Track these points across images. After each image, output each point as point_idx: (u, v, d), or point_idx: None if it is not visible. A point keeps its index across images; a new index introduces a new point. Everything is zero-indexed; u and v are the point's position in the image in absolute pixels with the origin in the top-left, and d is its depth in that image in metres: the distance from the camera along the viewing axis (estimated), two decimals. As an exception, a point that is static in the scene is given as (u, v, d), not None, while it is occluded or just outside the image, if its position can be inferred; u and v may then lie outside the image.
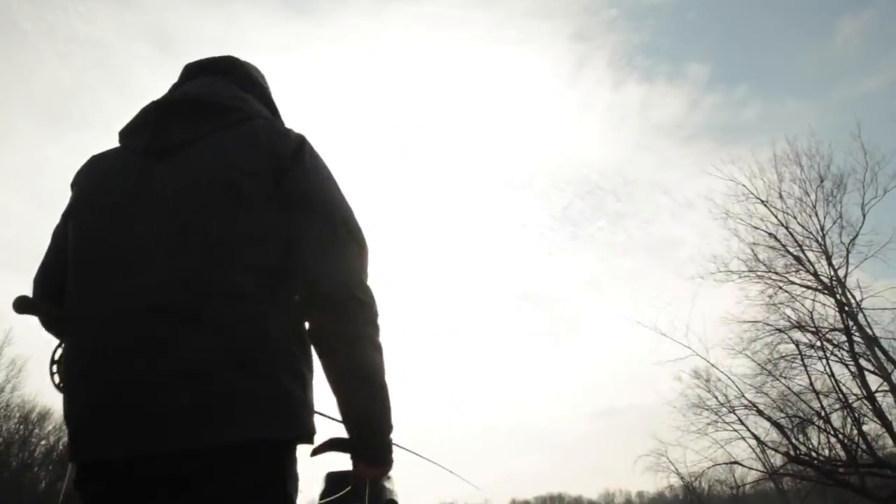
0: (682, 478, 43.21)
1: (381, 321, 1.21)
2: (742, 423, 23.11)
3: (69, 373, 1.13)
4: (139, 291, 1.08)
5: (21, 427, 54.04)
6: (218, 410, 1.03)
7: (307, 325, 1.21)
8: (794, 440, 22.15)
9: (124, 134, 1.32)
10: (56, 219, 1.34)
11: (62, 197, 1.30)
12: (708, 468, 29.44)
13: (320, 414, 1.25)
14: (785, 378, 22.80)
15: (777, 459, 25.53)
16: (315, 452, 1.25)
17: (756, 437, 24.01)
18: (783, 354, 22.94)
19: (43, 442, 56.59)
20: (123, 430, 1.02)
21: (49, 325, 1.30)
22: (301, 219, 1.18)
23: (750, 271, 22.23)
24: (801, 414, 23.07)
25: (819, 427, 21.84)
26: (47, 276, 1.30)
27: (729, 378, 23.32)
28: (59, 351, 1.25)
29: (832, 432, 21.38)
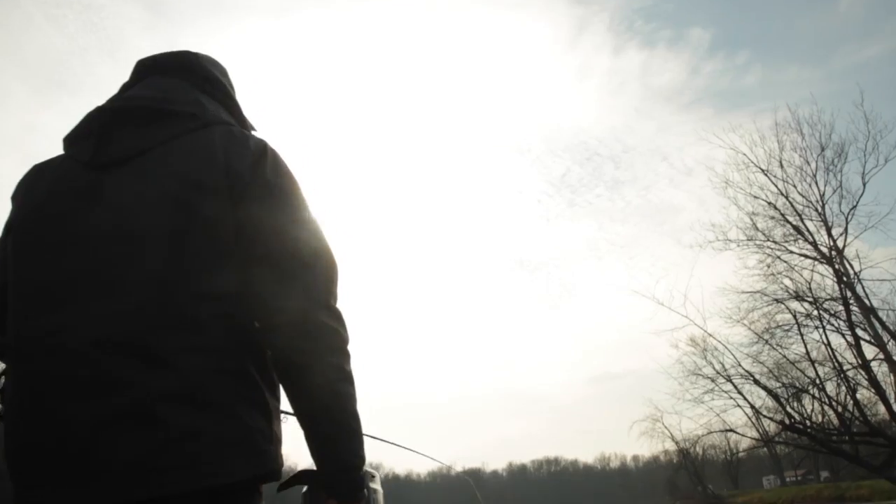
0: (677, 443, 44.08)
1: (350, 346, 1.11)
2: (738, 392, 23.28)
3: (9, 407, 1.03)
4: (84, 324, 0.98)
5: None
6: (172, 456, 0.94)
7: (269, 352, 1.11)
8: (788, 409, 22.39)
9: (69, 141, 1.19)
10: None
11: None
12: (703, 435, 29.90)
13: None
14: (781, 347, 22.98)
15: (772, 427, 25.88)
16: (282, 487, 1.17)
17: (752, 406, 24.28)
18: (780, 324, 23.07)
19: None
20: (66, 479, 0.94)
21: None
22: (255, 244, 1.08)
23: (749, 240, 22.19)
24: (796, 383, 23.27)
25: (813, 396, 22.02)
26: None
27: (725, 347, 23.48)
28: (2, 378, 1.14)
29: (826, 401, 21.57)
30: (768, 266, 22.25)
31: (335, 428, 1.07)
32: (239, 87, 1.33)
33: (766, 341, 23.44)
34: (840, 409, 21.36)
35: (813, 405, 23.38)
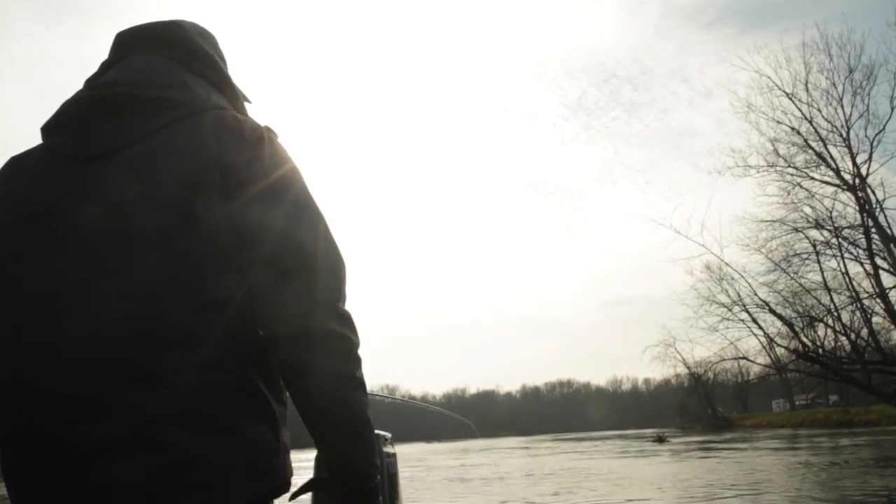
0: (688, 368, 44.82)
1: (360, 351, 1.04)
2: (753, 321, 23.40)
3: None
4: (73, 338, 0.91)
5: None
6: (174, 481, 0.89)
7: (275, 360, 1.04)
8: (803, 337, 22.55)
9: (47, 132, 1.09)
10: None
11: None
12: (716, 363, 30.24)
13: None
14: (798, 276, 22.92)
15: (784, 355, 26.11)
16: (294, 496, 1.13)
17: (766, 334, 24.47)
18: (798, 252, 22.91)
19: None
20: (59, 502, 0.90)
21: None
22: (254, 245, 0.99)
23: (769, 167, 21.72)
24: (811, 312, 23.32)
25: (827, 325, 22.15)
26: None
27: (741, 276, 23.41)
28: None
29: (841, 329, 21.68)
30: (788, 193, 21.89)
31: (347, 437, 1.03)
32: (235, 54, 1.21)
33: (784, 270, 23.39)
34: (854, 337, 21.44)
35: (826, 333, 23.62)
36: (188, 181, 0.97)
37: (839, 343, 21.80)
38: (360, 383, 1.03)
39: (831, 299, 20.86)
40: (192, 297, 0.94)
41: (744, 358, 26.98)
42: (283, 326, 0.99)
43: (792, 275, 22.91)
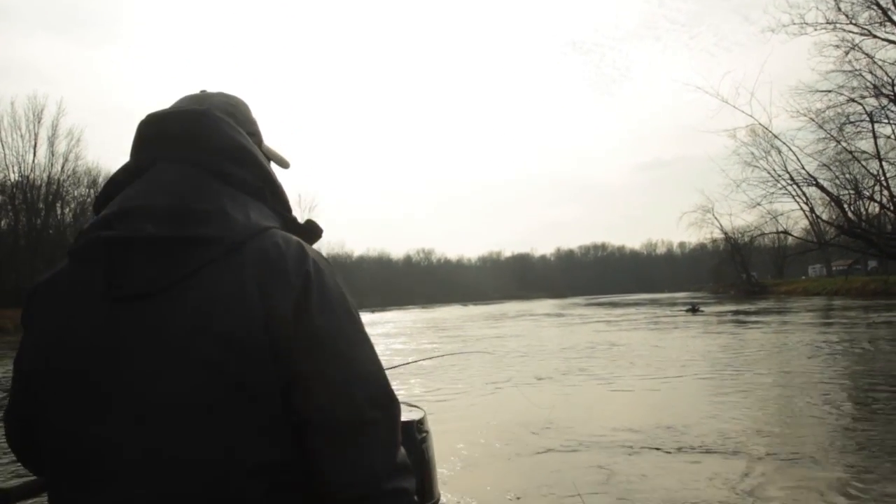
0: (725, 234, 44.39)
1: (415, 489, 0.98)
2: (801, 191, 22.73)
3: None
4: None
5: (91, 191, 57.59)
6: None
7: None
8: (849, 213, 21.88)
9: (75, 260, 0.98)
10: None
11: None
12: (755, 236, 29.78)
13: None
14: (848, 143, 21.86)
15: (823, 227, 25.58)
16: None
17: (812, 210, 23.83)
18: (850, 118, 21.71)
19: (113, 205, 60.98)
20: None
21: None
22: (304, 404, 0.91)
23: (828, 24, 20.06)
24: (859, 185, 22.46)
25: (873, 199, 21.37)
26: (23, 430, 1.07)
27: (790, 149, 22.38)
28: None
29: (889, 200, 20.88)
30: (846, 53, 20.34)
31: None
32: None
33: (834, 137, 22.30)
34: (902, 211, 20.71)
35: (869, 208, 22.87)
36: (231, 341, 0.89)
37: (885, 218, 21.09)
38: None
39: (881, 166, 20.02)
40: (237, 467, 0.88)
41: (785, 232, 26.54)
42: (339, 492, 0.93)
43: (843, 144, 21.90)
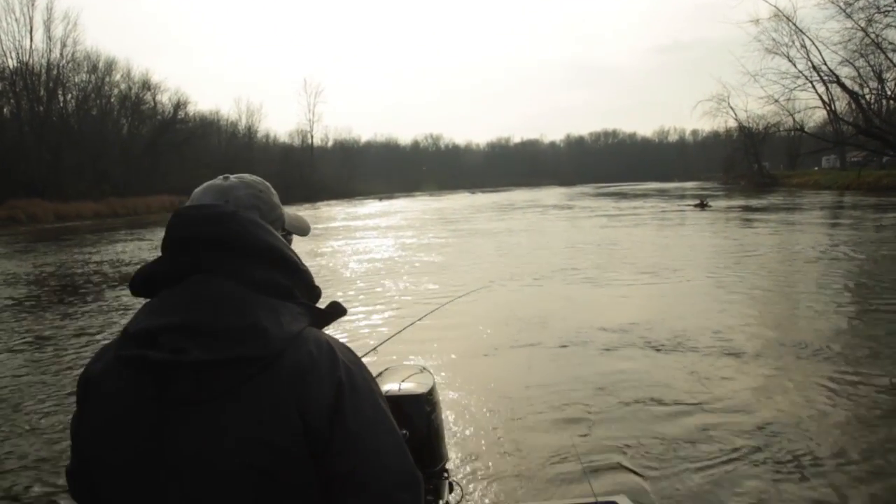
0: (739, 123, 43.28)
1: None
2: (824, 88, 21.93)
3: None
4: None
5: (92, 77, 56.22)
6: None
7: None
8: (869, 113, 21.21)
9: (125, 364, 1.03)
10: None
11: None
12: (771, 131, 29.04)
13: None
14: (877, 35, 20.85)
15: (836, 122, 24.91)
16: None
17: (831, 104, 23.03)
18: (882, 8, 20.58)
19: (115, 90, 59.55)
20: None
21: None
22: (343, 495, 1.03)
23: None
24: (883, 78, 21.64)
25: (892, 98, 20.64)
26: (85, 484, 1.16)
27: (813, 44, 21.36)
28: None
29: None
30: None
31: None
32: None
33: (862, 28, 21.25)
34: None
35: (886, 108, 22.10)
36: (274, 448, 0.99)
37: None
38: None
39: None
40: None
41: (800, 130, 25.81)
42: None
43: (872, 34, 20.90)
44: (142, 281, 1.09)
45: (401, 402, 2.32)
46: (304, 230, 1.34)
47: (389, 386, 2.43)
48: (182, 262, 1.08)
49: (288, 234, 1.28)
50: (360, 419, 1.05)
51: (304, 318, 1.08)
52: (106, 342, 1.16)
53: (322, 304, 1.18)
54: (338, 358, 1.06)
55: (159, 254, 1.11)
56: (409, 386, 2.44)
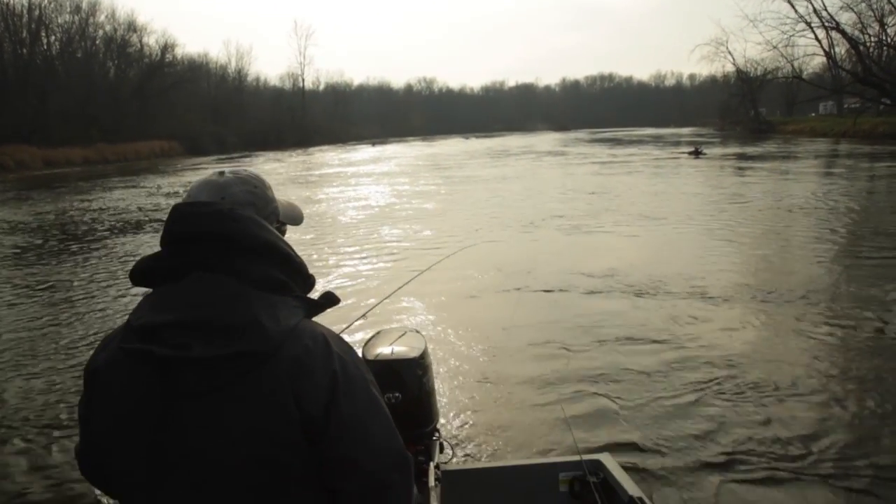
0: (737, 68, 42.63)
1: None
2: (825, 33, 21.54)
3: None
4: None
5: (76, 18, 54.62)
6: None
7: None
8: (867, 60, 20.91)
9: (131, 357, 1.08)
10: None
11: None
12: (769, 78, 28.65)
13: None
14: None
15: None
16: None
17: (831, 51, 22.69)
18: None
19: (101, 32, 57.95)
20: None
21: None
22: (340, 477, 1.12)
23: None
24: (885, 23, 21.27)
25: (891, 47, 20.33)
26: (96, 473, 1.25)
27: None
28: None
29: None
30: None
31: None
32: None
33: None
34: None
35: (885, 55, 21.78)
36: (275, 439, 1.05)
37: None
38: None
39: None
40: None
41: (798, 77, 25.57)
42: None
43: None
44: (141, 273, 1.13)
45: (394, 366, 2.37)
46: (297, 219, 1.37)
47: (382, 349, 2.47)
48: (181, 258, 1.12)
49: (282, 226, 1.32)
50: (353, 408, 1.11)
51: (300, 311, 1.13)
52: (109, 332, 1.20)
53: (321, 290, 1.23)
54: (332, 350, 1.12)
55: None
56: (402, 349, 2.49)
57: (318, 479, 1.11)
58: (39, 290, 8.67)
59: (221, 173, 1.24)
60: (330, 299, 1.22)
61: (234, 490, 1.06)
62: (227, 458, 1.05)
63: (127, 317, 1.13)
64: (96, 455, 1.18)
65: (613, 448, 3.54)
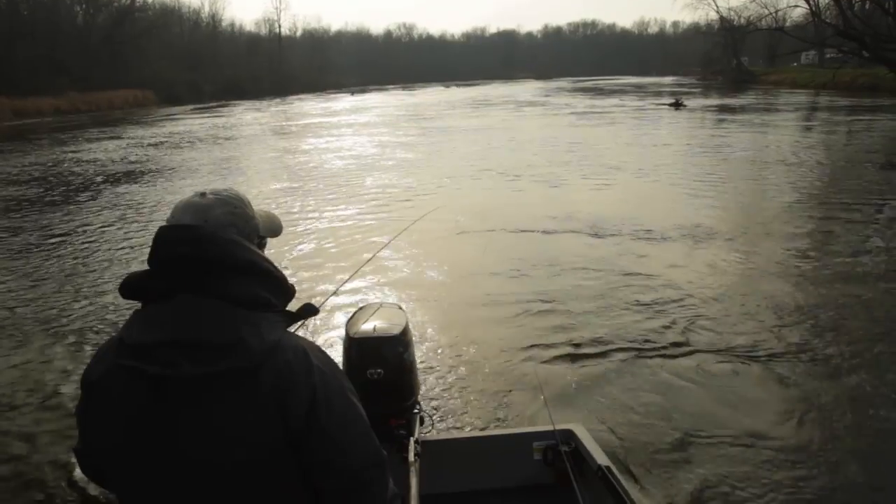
0: (721, 17, 42.19)
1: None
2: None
3: None
4: None
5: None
6: None
7: None
8: (848, 13, 20.83)
9: (127, 372, 1.17)
10: None
11: None
12: (752, 30, 28.44)
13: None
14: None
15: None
16: None
17: (813, 10, 22.59)
18: None
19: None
20: None
21: None
22: (321, 479, 1.23)
23: None
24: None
25: (877, 2, 20.27)
26: (95, 472, 1.37)
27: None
28: None
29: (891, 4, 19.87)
30: None
31: None
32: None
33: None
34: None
35: (867, 7, 21.77)
36: (261, 447, 1.15)
37: (883, 21, 20.24)
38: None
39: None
40: None
41: (780, 30, 25.46)
42: None
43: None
44: (130, 289, 1.21)
45: (376, 343, 2.43)
46: (276, 231, 1.43)
47: (364, 326, 2.51)
48: (168, 280, 1.20)
49: (262, 239, 1.38)
50: (332, 416, 1.20)
51: (281, 324, 1.23)
52: (103, 342, 1.29)
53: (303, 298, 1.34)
54: (312, 363, 1.21)
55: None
56: (384, 326, 2.52)
57: (302, 480, 1.21)
58: (58, 234, 9.17)
59: (203, 194, 1.29)
60: (309, 310, 1.32)
61: (224, 491, 1.16)
62: (218, 465, 1.14)
63: (132, 312, 1.21)
64: (94, 457, 1.28)
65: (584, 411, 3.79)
